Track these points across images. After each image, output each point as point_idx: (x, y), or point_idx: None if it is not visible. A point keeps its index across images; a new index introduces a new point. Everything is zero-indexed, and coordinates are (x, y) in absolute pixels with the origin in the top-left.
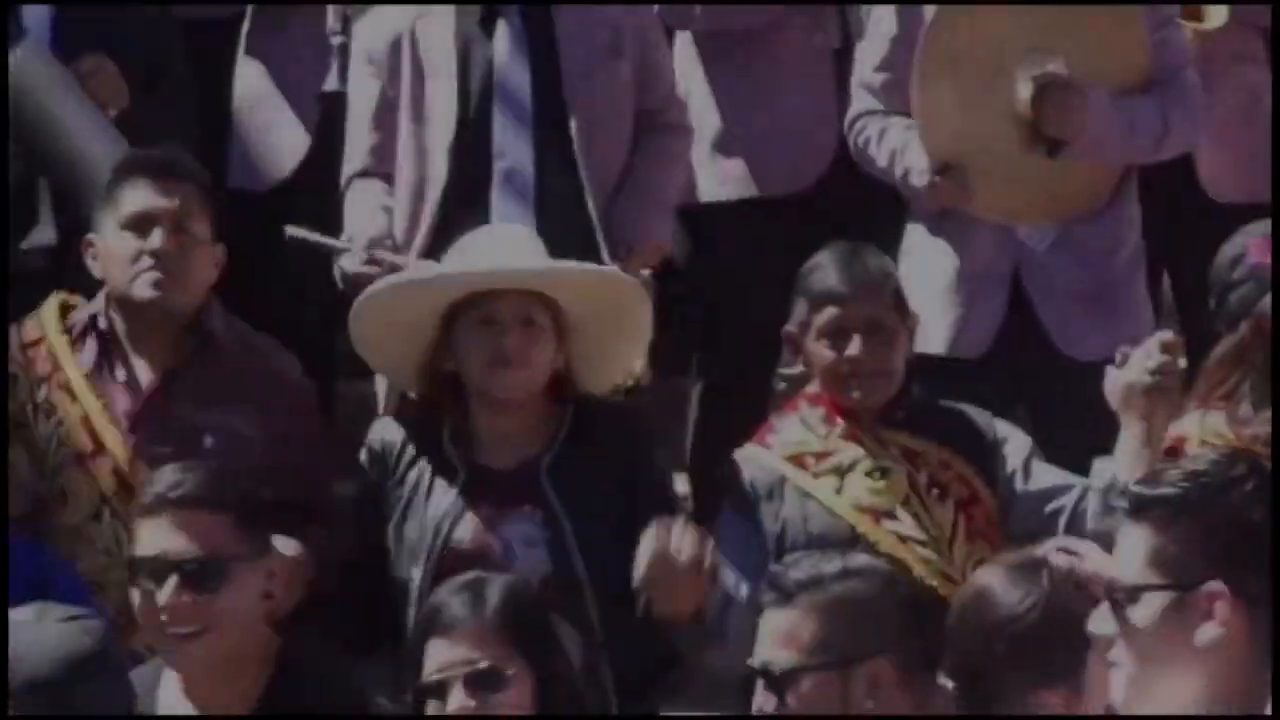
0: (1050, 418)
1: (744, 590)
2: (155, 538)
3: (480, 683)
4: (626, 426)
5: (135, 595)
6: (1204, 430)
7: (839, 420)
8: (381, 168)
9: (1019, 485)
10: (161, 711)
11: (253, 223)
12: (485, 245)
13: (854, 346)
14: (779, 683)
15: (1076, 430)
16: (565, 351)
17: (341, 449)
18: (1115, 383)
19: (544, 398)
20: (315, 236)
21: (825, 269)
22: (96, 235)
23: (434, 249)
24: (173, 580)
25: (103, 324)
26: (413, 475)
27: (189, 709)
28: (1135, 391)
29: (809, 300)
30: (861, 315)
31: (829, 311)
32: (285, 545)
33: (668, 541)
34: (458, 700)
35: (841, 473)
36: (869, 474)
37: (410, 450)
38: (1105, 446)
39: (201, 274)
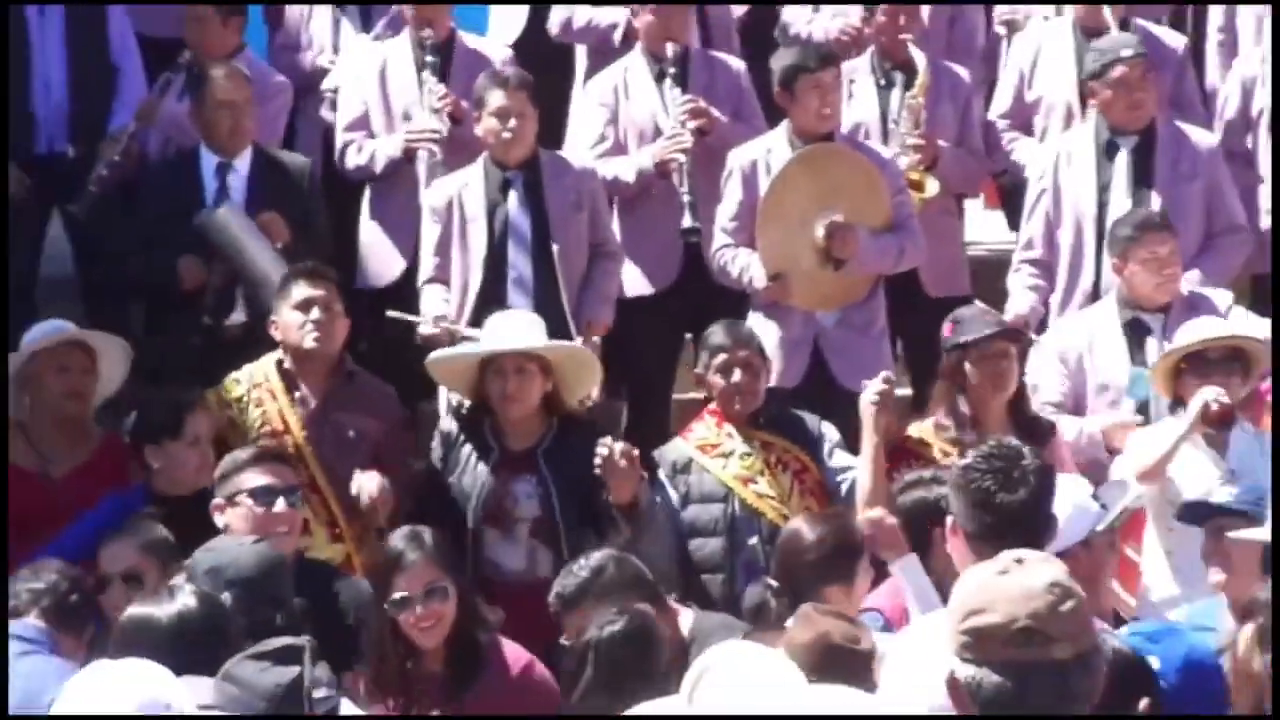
0: (835, 423)
1: (665, 524)
2: (262, 476)
3: (431, 597)
4: (588, 430)
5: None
6: (922, 430)
7: (725, 424)
8: (442, 276)
9: (831, 463)
10: None
11: (374, 308)
12: (502, 324)
13: (736, 377)
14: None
15: (847, 432)
16: (551, 383)
17: (415, 438)
18: (860, 403)
19: (541, 410)
20: (404, 315)
21: (717, 332)
22: (277, 317)
23: (473, 321)
24: (282, 499)
25: (286, 365)
26: (465, 450)
27: None
28: (866, 408)
29: (709, 351)
30: (740, 358)
31: (721, 356)
32: (371, 480)
33: (612, 447)
34: (418, 608)
35: (726, 456)
36: (742, 457)
37: (462, 436)
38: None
39: (340, 334)
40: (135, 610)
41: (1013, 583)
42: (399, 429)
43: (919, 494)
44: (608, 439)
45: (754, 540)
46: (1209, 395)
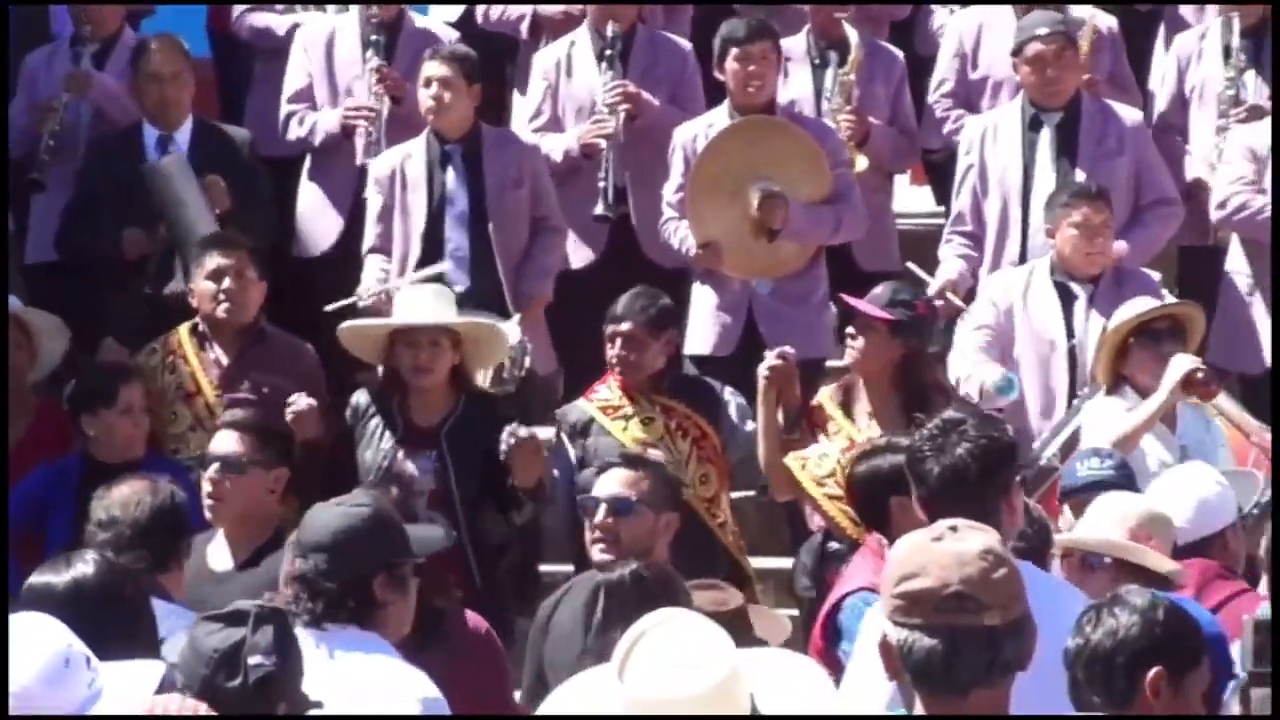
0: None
1: (560, 484)
2: (213, 444)
3: None
4: (491, 409)
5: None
6: (821, 397)
7: (627, 389)
8: (384, 246)
9: (734, 431)
10: (210, 556)
11: (313, 278)
12: (413, 297)
13: (616, 349)
14: (625, 505)
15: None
16: (460, 356)
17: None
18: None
19: (448, 384)
20: (338, 304)
21: (618, 302)
22: (192, 283)
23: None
24: (212, 467)
25: (201, 328)
26: (372, 424)
27: (226, 554)
28: (759, 381)
29: (606, 319)
30: (621, 331)
31: (608, 327)
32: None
33: (517, 433)
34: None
35: (627, 419)
36: (642, 421)
37: (372, 408)
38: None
39: (254, 301)
40: (34, 579)
41: (946, 549)
42: (317, 384)
43: (873, 463)
44: (514, 425)
45: None
46: (1188, 364)
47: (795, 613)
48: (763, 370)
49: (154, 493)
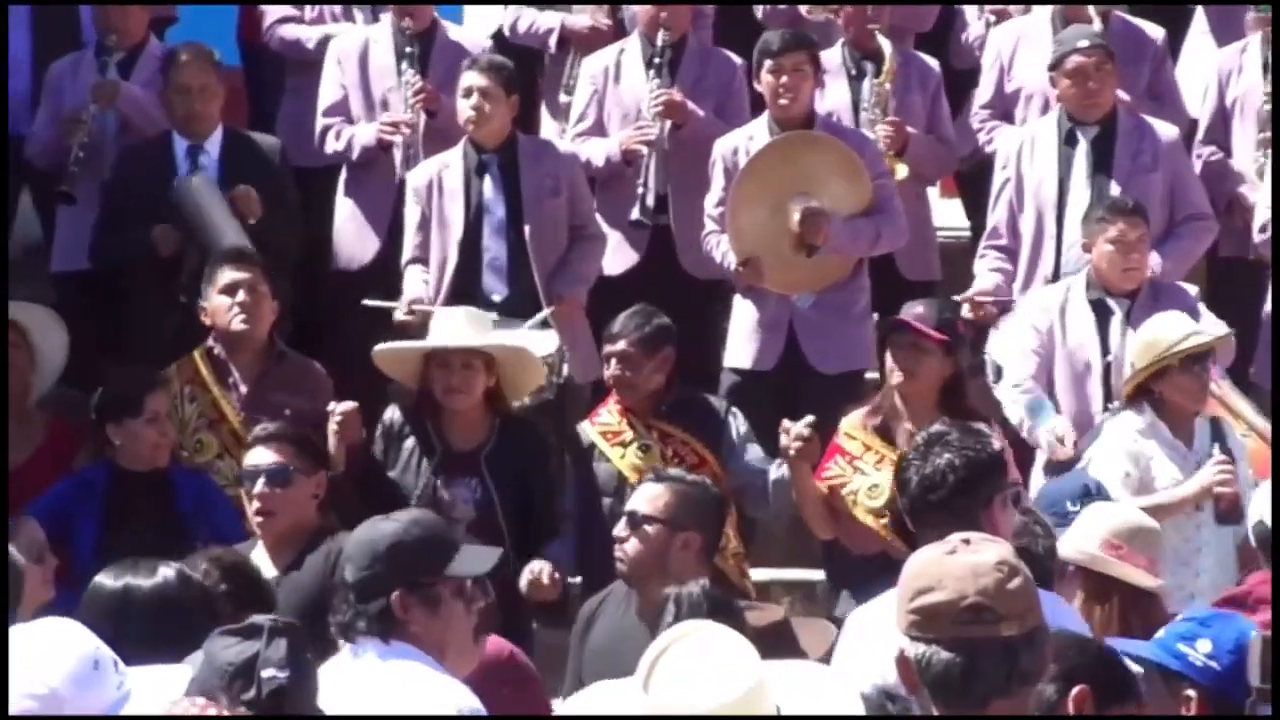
0: (808, 407)
1: (570, 523)
2: (254, 458)
3: None
4: (529, 432)
5: (244, 497)
6: (850, 424)
7: (626, 413)
8: (423, 255)
9: (735, 456)
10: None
11: (352, 292)
12: (449, 319)
13: (611, 370)
14: (632, 519)
15: (823, 415)
16: (494, 379)
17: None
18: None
19: (483, 407)
20: (380, 303)
21: (614, 321)
22: (205, 301)
23: (449, 302)
24: (260, 481)
25: (216, 352)
26: (407, 445)
27: (269, 562)
28: (786, 453)
29: (603, 338)
30: (616, 350)
31: (605, 347)
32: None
33: (535, 572)
34: None
35: (624, 445)
36: (639, 448)
37: (406, 428)
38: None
39: (267, 317)
40: (109, 580)
41: (961, 561)
42: (329, 400)
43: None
44: (538, 564)
45: None
46: (1216, 479)
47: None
48: (791, 446)
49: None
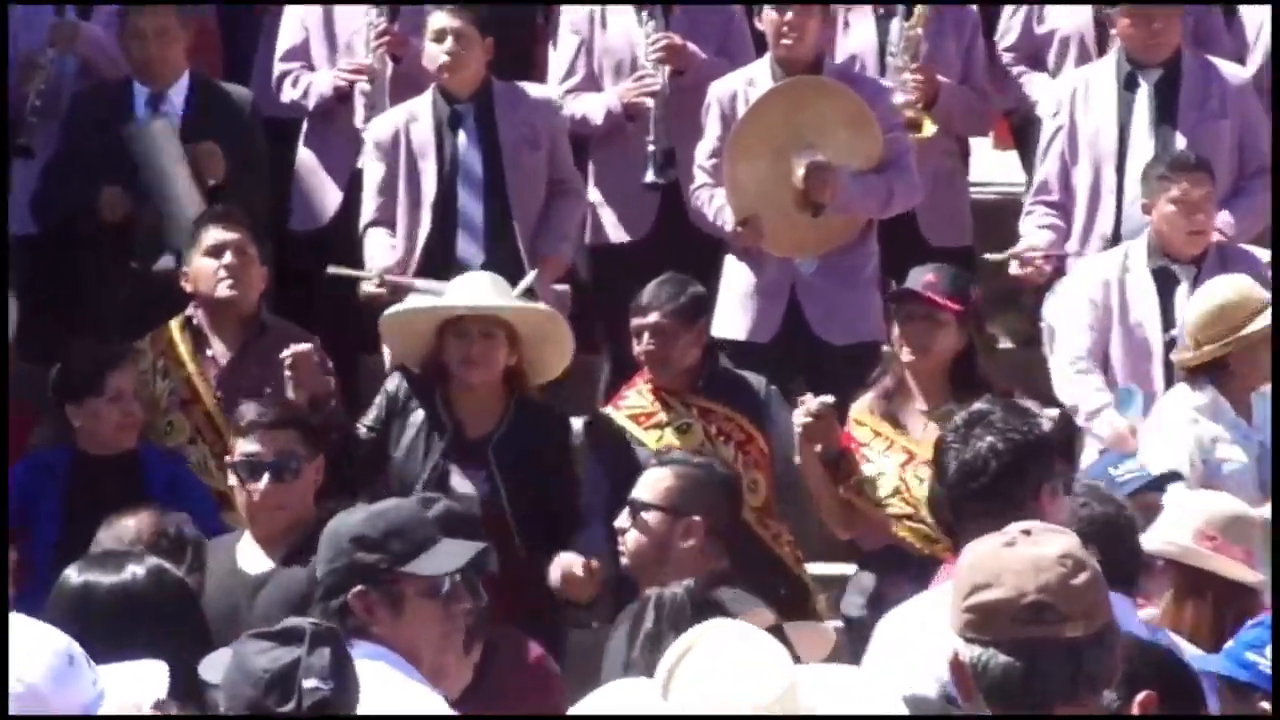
0: (811, 381)
1: (598, 515)
2: (248, 448)
3: None
4: (546, 417)
5: (237, 488)
6: (857, 410)
7: (659, 392)
8: (386, 219)
9: (777, 428)
10: (240, 558)
11: (311, 253)
12: (468, 284)
13: (644, 343)
14: (634, 507)
15: (827, 389)
16: (517, 354)
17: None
18: (795, 418)
19: (500, 388)
20: (345, 271)
21: (644, 291)
22: (188, 266)
23: (420, 272)
24: (265, 476)
25: (195, 322)
26: (412, 421)
27: (261, 555)
28: (800, 431)
29: (631, 311)
30: (648, 322)
31: (634, 320)
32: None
33: (568, 567)
34: None
35: (661, 427)
36: (677, 429)
37: (413, 402)
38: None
39: (256, 282)
40: (76, 575)
41: (1020, 555)
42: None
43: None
44: (568, 557)
45: None
46: None
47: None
48: (799, 420)
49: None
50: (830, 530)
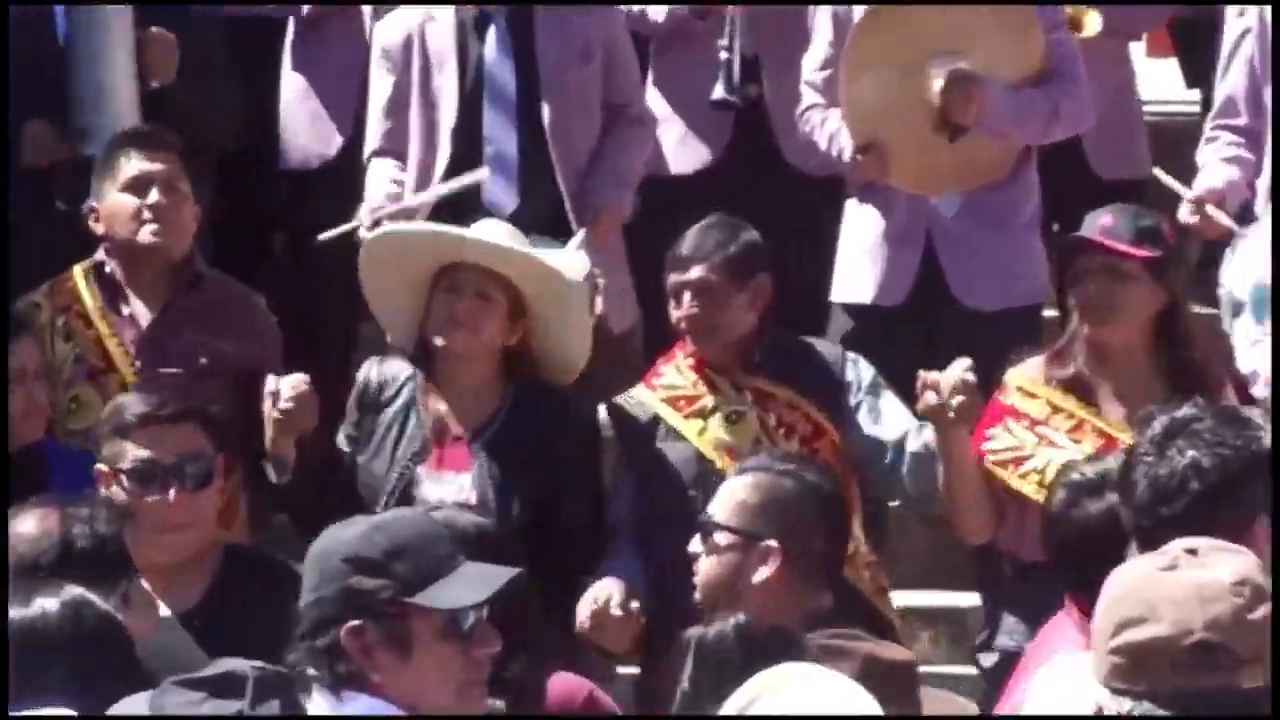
0: (950, 357)
1: (630, 533)
2: (137, 450)
3: None
4: (555, 407)
5: (126, 499)
6: (1023, 376)
7: (703, 368)
8: (395, 146)
9: (860, 422)
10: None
11: (309, 197)
12: (480, 227)
13: (684, 306)
14: (705, 529)
15: (979, 369)
16: (523, 331)
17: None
18: (923, 401)
19: (495, 374)
20: (334, 232)
21: (683, 239)
22: (97, 201)
23: (435, 218)
24: (169, 482)
25: (108, 270)
26: (385, 413)
27: (159, 599)
28: (938, 413)
29: (666, 264)
30: (691, 279)
31: (671, 276)
32: (288, 381)
33: (601, 602)
34: None
35: (704, 415)
36: (726, 418)
37: (393, 392)
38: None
39: (189, 224)
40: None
41: (1183, 581)
42: (271, 349)
43: (1096, 506)
44: (604, 588)
45: None
46: None
47: (973, 670)
48: (945, 399)
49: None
50: (937, 546)
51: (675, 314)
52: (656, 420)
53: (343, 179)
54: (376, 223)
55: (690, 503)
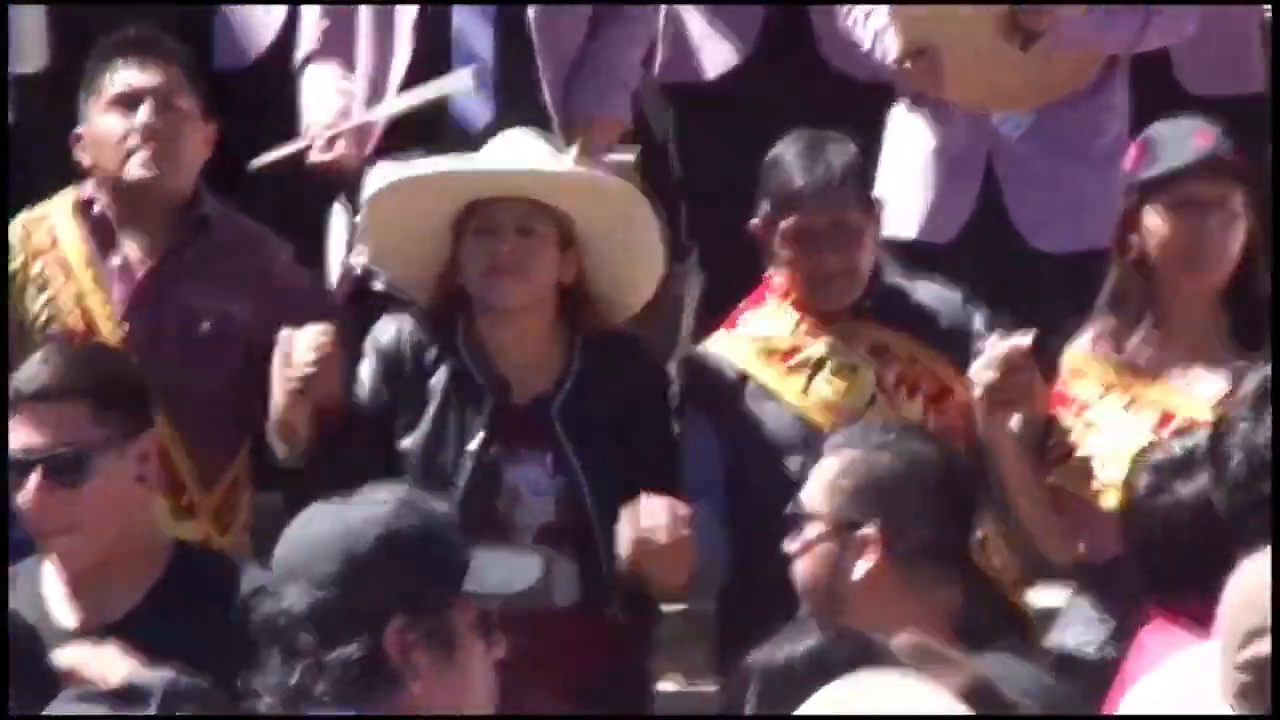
0: (1013, 308)
1: (707, 505)
2: (19, 435)
3: None
4: (636, 364)
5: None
6: (1074, 355)
7: (808, 314)
8: (336, 48)
9: None
10: (51, 608)
11: (245, 102)
12: (509, 143)
13: (819, 252)
14: (795, 521)
15: (1037, 321)
16: (577, 265)
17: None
18: (973, 373)
19: (554, 322)
20: (276, 153)
21: (788, 167)
22: (84, 125)
23: (398, 132)
24: (34, 476)
25: (96, 210)
26: (432, 385)
27: (69, 609)
28: (981, 392)
29: (772, 201)
30: (826, 219)
31: (793, 217)
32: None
33: (648, 521)
34: None
35: (809, 369)
36: (836, 372)
37: (429, 355)
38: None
39: (192, 152)
40: None
41: None
42: (299, 312)
43: (1187, 490)
44: (649, 503)
45: None
46: None
47: None
48: (981, 374)
49: None
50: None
51: (796, 261)
52: (744, 378)
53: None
54: (330, 143)
55: (789, 473)
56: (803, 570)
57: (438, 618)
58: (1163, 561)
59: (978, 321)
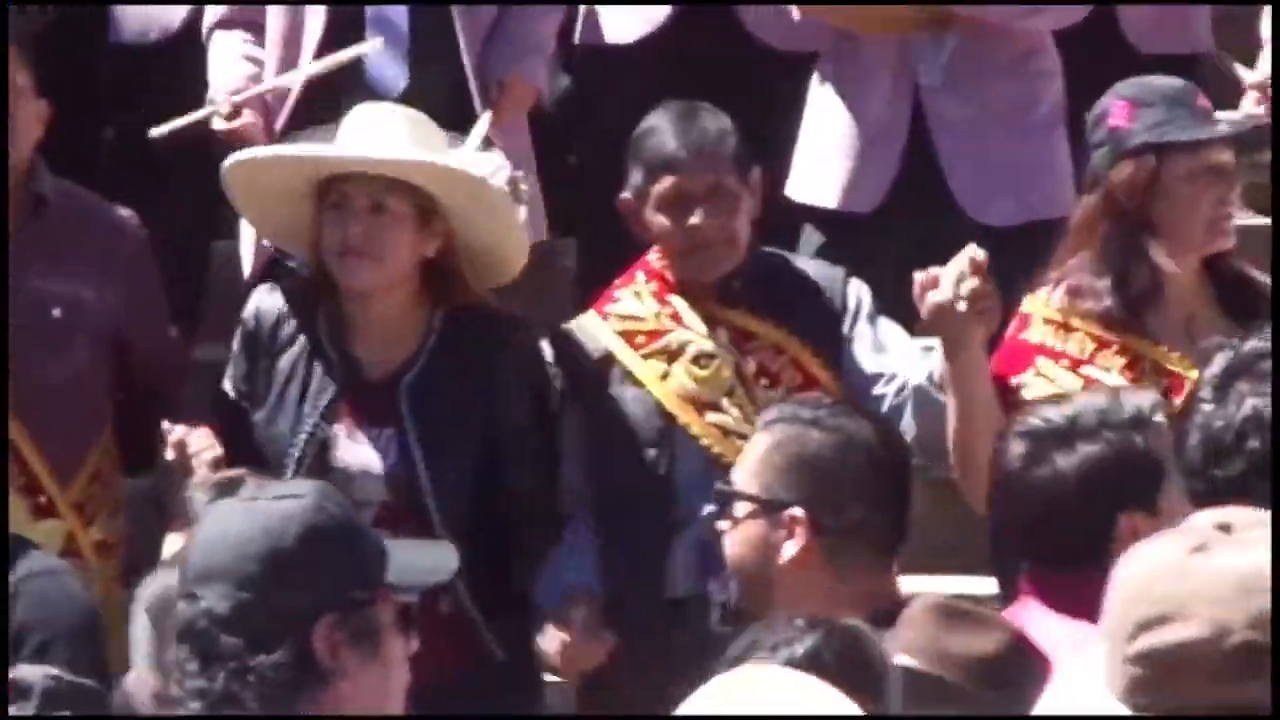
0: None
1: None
2: None
3: None
4: (499, 340)
5: None
6: (1047, 309)
7: (671, 297)
8: (243, 14)
9: (858, 354)
10: None
11: (143, 77)
12: (363, 123)
13: (695, 217)
14: (724, 499)
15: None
16: (442, 239)
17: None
18: (926, 303)
19: (416, 296)
20: (178, 122)
21: (661, 133)
22: None
23: (308, 98)
24: None
25: None
26: (284, 359)
27: None
28: (946, 314)
29: (645, 168)
30: (702, 183)
31: (667, 181)
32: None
33: (569, 643)
34: None
35: (668, 354)
36: (695, 360)
37: (290, 325)
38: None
39: (24, 130)
40: None
41: (1219, 568)
42: (152, 296)
43: (1066, 461)
44: (574, 616)
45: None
46: None
47: None
48: (962, 291)
49: None
50: (944, 519)
51: (669, 227)
52: (609, 359)
53: (188, 56)
54: (237, 111)
55: (648, 466)
56: (731, 550)
57: (364, 614)
58: (1038, 535)
59: (851, 299)
